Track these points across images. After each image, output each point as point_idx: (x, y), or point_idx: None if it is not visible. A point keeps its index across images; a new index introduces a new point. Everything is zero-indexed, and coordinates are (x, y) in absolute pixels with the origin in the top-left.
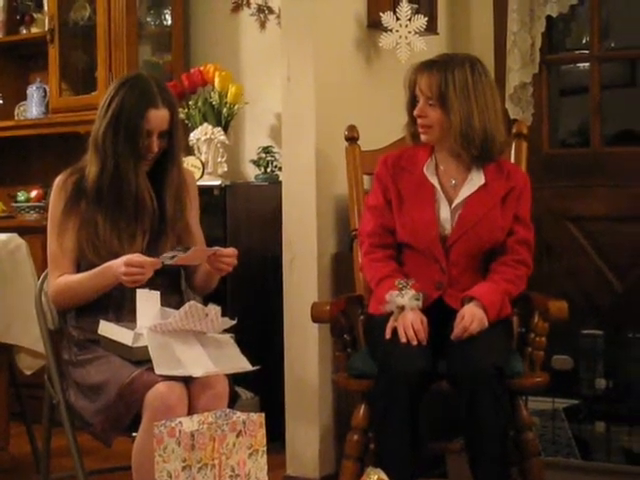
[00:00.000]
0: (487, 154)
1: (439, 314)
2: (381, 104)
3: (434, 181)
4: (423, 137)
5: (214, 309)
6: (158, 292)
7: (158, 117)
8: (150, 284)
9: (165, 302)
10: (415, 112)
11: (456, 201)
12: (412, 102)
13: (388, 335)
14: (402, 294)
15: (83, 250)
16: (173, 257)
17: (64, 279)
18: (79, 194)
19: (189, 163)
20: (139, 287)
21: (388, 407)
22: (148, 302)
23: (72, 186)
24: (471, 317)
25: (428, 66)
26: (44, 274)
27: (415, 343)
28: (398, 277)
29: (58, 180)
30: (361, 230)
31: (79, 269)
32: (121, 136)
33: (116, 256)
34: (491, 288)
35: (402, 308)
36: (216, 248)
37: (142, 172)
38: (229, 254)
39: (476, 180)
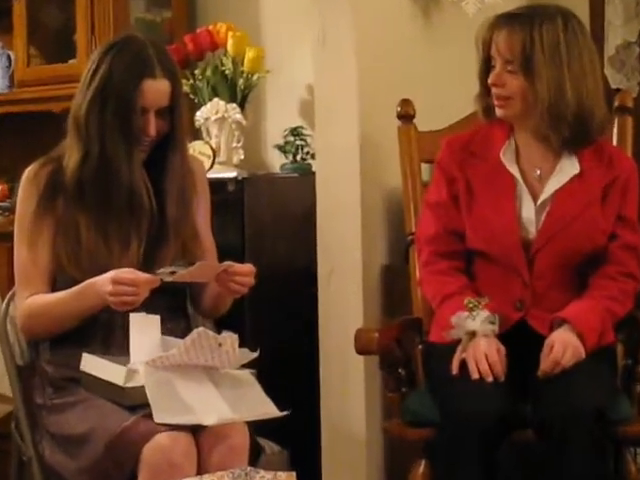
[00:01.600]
0: (582, 135)
1: (521, 341)
2: (443, 71)
3: (514, 170)
4: (499, 112)
5: (230, 338)
6: (158, 317)
7: (156, 90)
8: (147, 306)
9: (167, 329)
10: (490, 80)
11: (542, 196)
12: (486, 67)
13: (455, 370)
14: (473, 316)
15: (61, 262)
16: (173, 273)
17: (36, 300)
18: (55, 189)
19: (195, 150)
20: (132, 311)
21: (455, 463)
22: (145, 329)
23: (46, 179)
24: (563, 346)
25: (508, 20)
26: (10, 294)
27: (490, 379)
28: (468, 294)
29: (28, 172)
30: (419, 234)
31: (55, 287)
32: (109, 114)
33: (103, 270)
34: (589, 308)
35: (473, 334)
36: (228, 263)
37: (137, 161)
38: (244, 272)
39: (568, 169)
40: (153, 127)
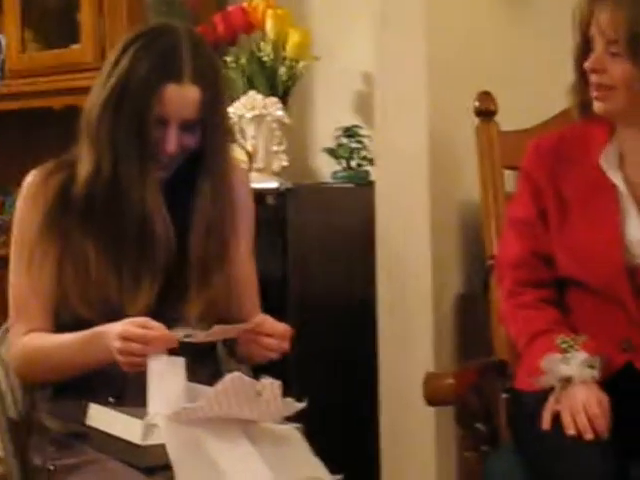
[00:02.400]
0: None
1: (629, 389)
2: (531, 60)
3: (617, 179)
4: (598, 106)
5: (271, 385)
6: (183, 359)
7: (180, 97)
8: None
9: (192, 374)
10: (588, 64)
11: None
12: (584, 52)
13: (546, 425)
14: (567, 359)
15: (66, 293)
16: (188, 336)
17: (34, 340)
18: (66, 204)
19: None
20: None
21: None
22: (167, 375)
23: (56, 190)
24: None
25: None
26: (2, 329)
27: (590, 437)
28: (560, 332)
29: (31, 180)
30: (501, 259)
31: (57, 321)
32: (123, 122)
33: (114, 309)
34: None
35: (568, 381)
36: (255, 322)
37: (152, 181)
38: (277, 333)
39: None
40: (172, 143)
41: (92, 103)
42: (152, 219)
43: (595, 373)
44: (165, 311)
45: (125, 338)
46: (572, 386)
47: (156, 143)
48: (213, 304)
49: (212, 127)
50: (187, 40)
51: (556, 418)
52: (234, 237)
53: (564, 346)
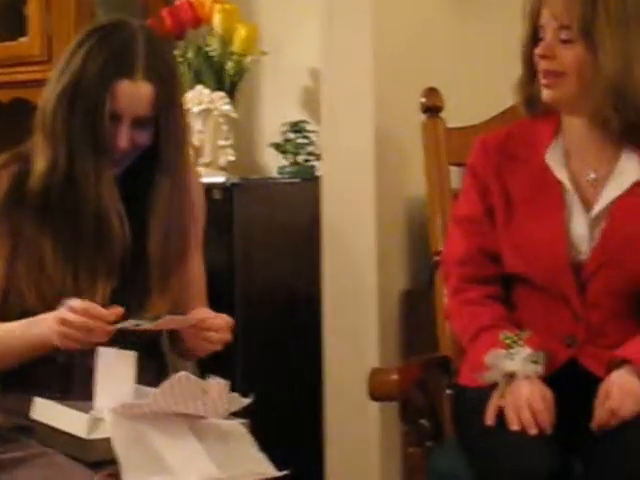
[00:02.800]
0: None
1: (571, 384)
2: (478, 55)
3: (562, 175)
4: (546, 94)
5: (218, 385)
6: (133, 353)
7: (132, 93)
8: (118, 340)
9: (139, 370)
10: (537, 50)
11: (597, 207)
12: (533, 43)
13: (490, 420)
14: (511, 354)
15: (19, 287)
16: (137, 325)
17: None
18: (19, 198)
19: None
20: (102, 345)
21: None
22: (115, 368)
23: (10, 182)
24: (622, 393)
25: None
26: None
27: (534, 432)
28: (506, 327)
29: None
30: (447, 255)
31: (10, 318)
32: (77, 117)
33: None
34: None
35: (512, 376)
36: (200, 317)
37: (107, 178)
38: (218, 326)
39: (628, 172)
40: (124, 139)
41: (47, 98)
42: (108, 215)
43: (539, 368)
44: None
45: (65, 322)
46: (516, 381)
47: (106, 139)
48: (174, 306)
49: (166, 125)
50: (142, 37)
51: (500, 414)
52: (192, 238)
53: (508, 342)
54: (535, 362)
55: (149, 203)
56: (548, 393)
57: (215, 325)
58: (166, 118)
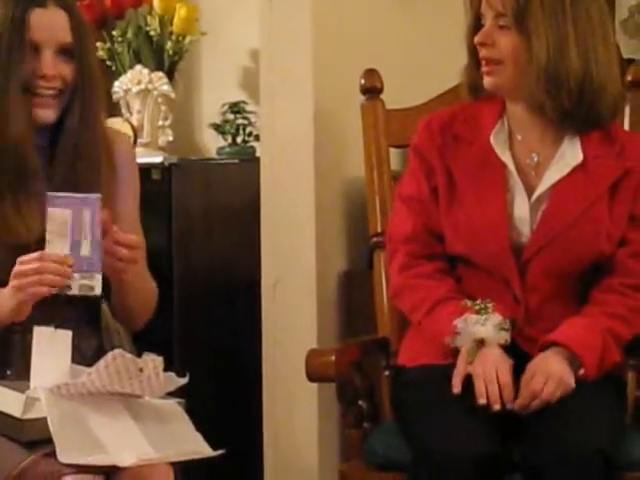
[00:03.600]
0: (588, 113)
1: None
2: (416, 37)
3: (505, 158)
4: (487, 80)
5: (152, 362)
6: (69, 332)
7: (49, 21)
8: (55, 318)
9: (75, 349)
10: (476, 38)
11: (538, 190)
12: (474, 28)
13: (457, 389)
14: (483, 320)
15: None
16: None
17: None
18: None
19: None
20: (39, 323)
21: None
22: (51, 347)
23: None
24: (545, 376)
25: None
26: None
27: (497, 408)
28: (463, 300)
29: None
30: (392, 233)
31: None
32: None
33: (11, 236)
34: (586, 327)
35: (481, 342)
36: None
37: (24, 111)
38: (129, 242)
39: (569, 156)
40: (49, 65)
41: None
42: (24, 152)
43: (507, 336)
44: None
45: (18, 274)
46: (487, 348)
47: (33, 73)
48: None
49: (85, 52)
50: None
51: (441, 389)
52: (116, 182)
53: (477, 307)
54: (505, 329)
55: (59, 133)
56: (512, 364)
57: (126, 240)
58: (85, 45)
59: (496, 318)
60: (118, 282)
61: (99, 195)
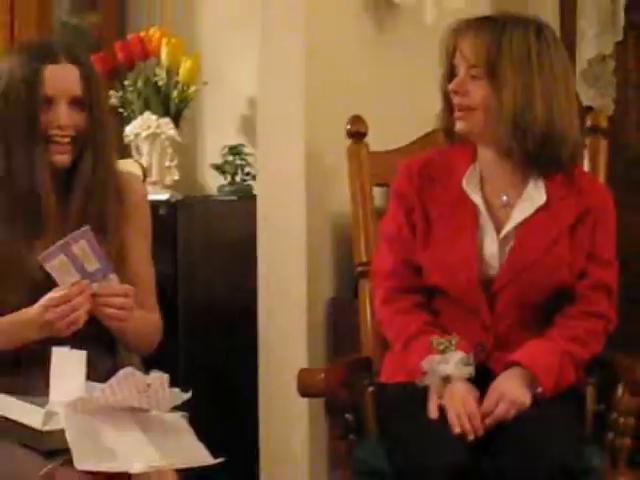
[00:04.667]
0: (551, 157)
1: (483, 386)
2: (398, 86)
3: (477, 199)
4: (459, 125)
5: (159, 379)
6: (84, 352)
7: (61, 75)
8: (72, 340)
9: (92, 368)
10: (451, 86)
11: (505, 229)
12: (449, 77)
13: (434, 414)
14: (446, 359)
15: None
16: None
17: None
18: None
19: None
20: (59, 343)
21: None
22: (68, 366)
23: None
24: (497, 396)
25: (476, 24)
26: None
27: (471, 438)
28: (434, 332)
29: None
30: (376, 269)
31: None
32: (10, 113)
33: (32, 290)
34: (544, 348)
35: (447, 379)
36: (97, 285)
37: (41, 160)
38: (117, 292)
39: (534, 198)
40: (63, 116)
41: None
42: (41, 195)
43: (471, 370)
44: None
45: (49, 306)
46: (453, 383)
47: (49, 124)
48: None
49: (96, 102)
50: (57, 39)
51: (418, 405)
52: (130, 234)
53: (441, 347)
54: (467, 364)
55: (73, 176)
56: (477, 395)
57: (110, 302)
58: (95, 96)
59: (458, 355)
60: (118, 330)
61: (87, 226)
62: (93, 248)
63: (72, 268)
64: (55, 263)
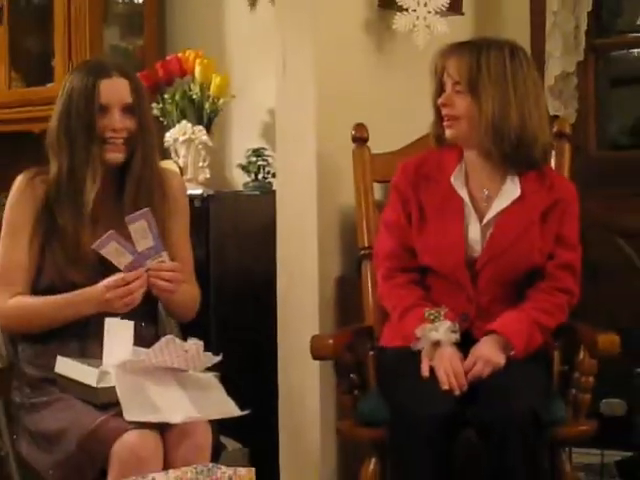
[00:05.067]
0: (525, 157)
1: (467, 349)
2: (395, 98)
3: (463, 193)
4: (448, 132)
5: (195, 344)
6: (131, 322)
7: (113, 87)
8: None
9: (137, 335)
10: (440, 100)
11: (487, 217)
12: (439, 93)
13: (426, 373)
14: (436, 327)
15: (55, 260)
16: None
17: (19, 302)
18: (48, 200)
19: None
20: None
21: (406, 460)
22: (118, 334)
23: (42, 189)
24: (475, 357)
25: (459, 47)
26: None
27: (457, 393)
28: (426, 306)
29: (20, 180)
30: (377, 251)
31: (46, 287)
32: (74, 121)
33: (92, 271)
34: (516, 317)
35: (437, 344)
36: (150, 262)
37: (97, 159)
38: (168, 268)
39: (511, 191)
40: (117, 121)
41: (51, 123)
42: (97, 187)
43: (457, 336)
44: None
45: (110, 287)
46: (441, 348)
47: (104, 128)
48: None
49: (143, 109)
50: (107, 59)
51: (411, 365)
52: (168, 205)
53: (432, 317)
54: (453, 332)
55: (125, 172)
56: (462, 357)
57: (162, 276)
58: (143, 103)
59: (446, 324)
60: (166, 300)
61: (147, 208)
62: (151, 227)
63: (125, 251)
64: (108, 249)
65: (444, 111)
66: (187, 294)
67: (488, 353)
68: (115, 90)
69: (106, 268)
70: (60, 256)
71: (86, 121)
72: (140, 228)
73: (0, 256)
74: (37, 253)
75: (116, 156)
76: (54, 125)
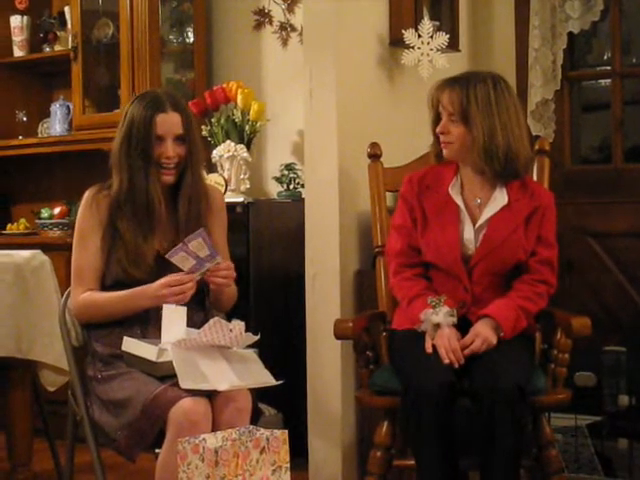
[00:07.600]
0: (511, 170)
1: (464, 332)
2: (403, 121)
3: (459, 201)
4: (445, 152)
5: (238, 325)
6: (185, 308)
7: (168, 121)
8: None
9: (189, 319)
10: (437, 129)
11: (479, 221)
12: (436, 121)
13: (429, 349)
14: (437, 311)
15: (120, 261)
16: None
17: (93, 295)
18: (111, 210)
19: (212, 180)
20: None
21: (417, 421)
22: (174, 318)
23: (106, 201)
24: (473, 335)
25: (450, 83)
26: (68, 291)
27: (456, 366)
28: (429, 295)
29: (88, 193)
30: (388, 250)
31: (113, 282)
32: (133, 147)
33: (150, 268)
34: (504, 304)
35: (438, 325)
36: (208, 265)
37: (154, 180)
38: (224, 267)
39: (499, 199)
40: (170, 149)
41: (114, 144)
42: (155, 203)
43: (455, 320)
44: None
45: (166, 285)
46: (441, 329)
47: (158, 155)
48: None
49: (193, 138)
50: (163, 91)
51: (417, 344)
52: (212, 215)
53: (433, 304)
54: (452, 315)
55: (179, 188)
56: (459, 336)
57: (223, 265)
58: (192, 134)
59: (445, 309)
60: (219, 293)
61: (202, 228)
62: (206, 241)
63: (190, 257)
64: (178, 257)
65: (442, 138)
66: (231, 289)
67: (485, 333)
68: (169, 123)
69: (160, 267)
70: (123, 257)
71: (144, 148)
72: (197, 244)
73: (74, 258)
74: (104, 255)
75: (169, 178)
76: (117, 148)
